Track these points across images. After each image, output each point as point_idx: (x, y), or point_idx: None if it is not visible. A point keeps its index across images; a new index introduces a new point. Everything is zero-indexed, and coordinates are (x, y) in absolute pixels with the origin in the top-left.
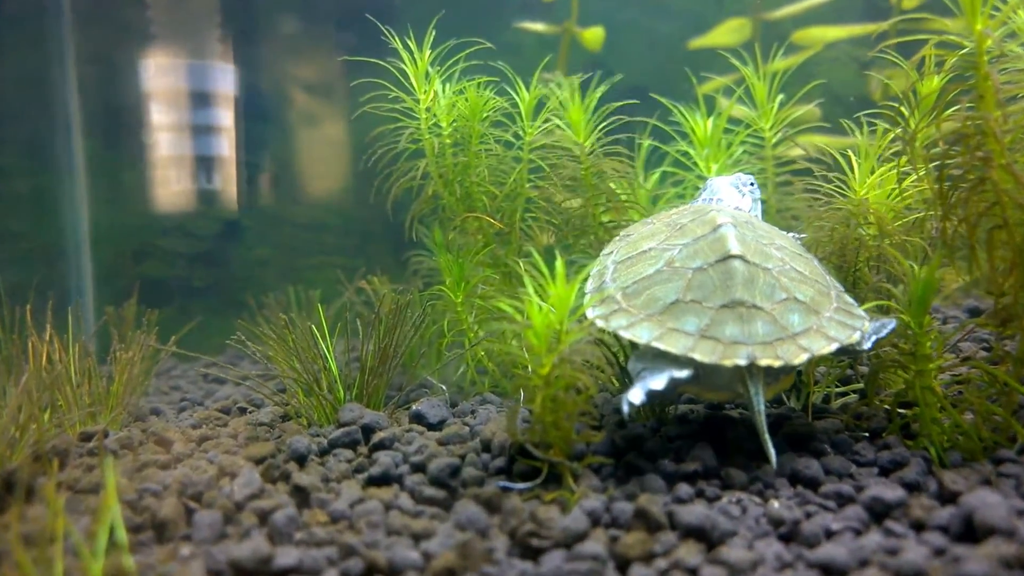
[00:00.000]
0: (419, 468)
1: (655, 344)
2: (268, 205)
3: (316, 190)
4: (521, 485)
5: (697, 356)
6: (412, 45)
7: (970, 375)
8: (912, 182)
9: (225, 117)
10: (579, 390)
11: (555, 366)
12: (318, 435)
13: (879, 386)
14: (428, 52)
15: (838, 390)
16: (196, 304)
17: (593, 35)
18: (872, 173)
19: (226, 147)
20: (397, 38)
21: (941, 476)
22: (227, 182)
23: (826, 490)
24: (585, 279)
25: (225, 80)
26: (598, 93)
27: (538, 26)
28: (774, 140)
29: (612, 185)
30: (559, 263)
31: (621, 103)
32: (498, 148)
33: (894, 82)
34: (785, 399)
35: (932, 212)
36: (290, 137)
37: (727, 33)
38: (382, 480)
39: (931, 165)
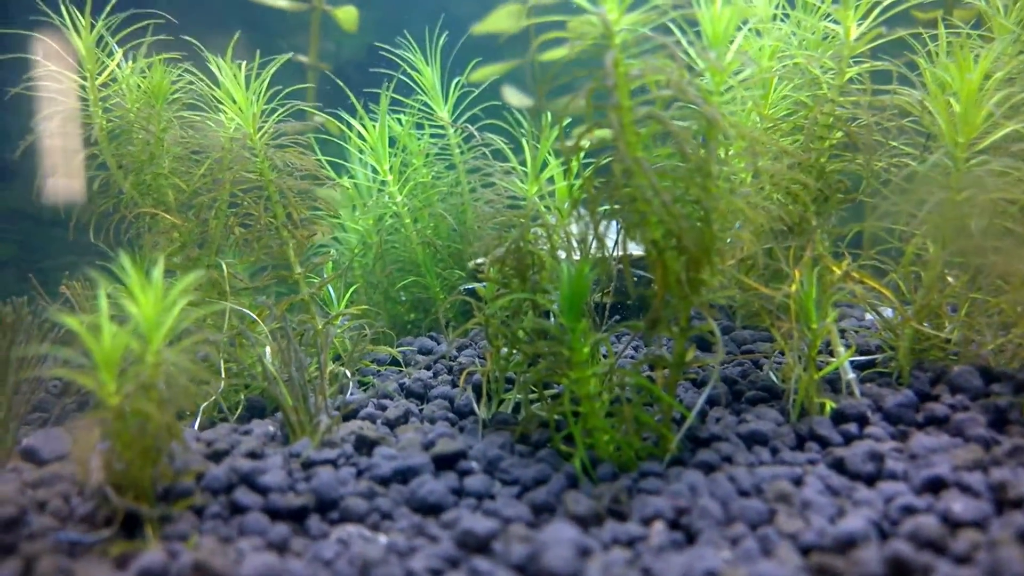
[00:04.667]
0: None
1: None
2: (4, 198)
3: (61, 181)
4: (90, 538)
5: None
6: (80, 14)
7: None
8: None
9: None
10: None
11: (129, 396)
12: None
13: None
14: (99, 22)
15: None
16: None
17: (346, 15)
18: (543, 169)
19: None
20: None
21: (566, 498)
22: None
23: (447, 518)
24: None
25: None
26: (269, 71)
27: (280, 2)
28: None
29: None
30: (158, 270)
31: (293, 88)
32: (188, 135)
33: None
34: (475, 407)
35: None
36: (27, 121)
37: (504, 19)
38: None
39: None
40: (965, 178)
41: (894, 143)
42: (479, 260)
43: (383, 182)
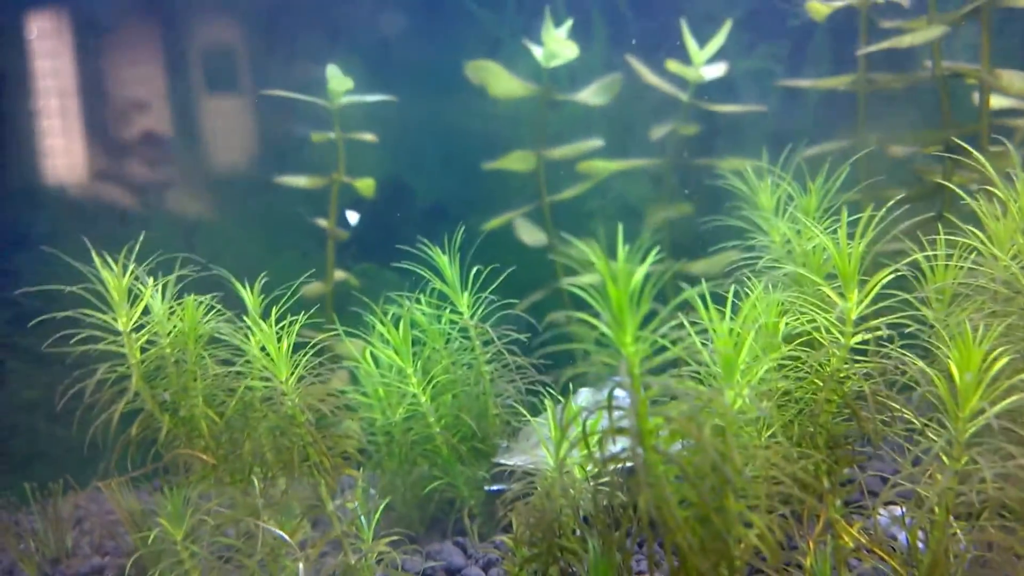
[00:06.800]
0: None
1: None
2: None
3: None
4: None
5: None
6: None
7: None
8: None
9: None
10: None
11: None
12: None
13: None
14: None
15: None
16: None
17: (365, 184)
18: None
19: None
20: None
21: None
22: None
23: None
24: None
25: None
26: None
27: (300, 180)
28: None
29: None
30: None
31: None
32: (215, 368)
33: None
34: None
35: None
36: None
37: (516, 161)
38: None
39: None
40: (966, 450)
41: (895, 406)
42: (501, 459)
43: (404, 378)
